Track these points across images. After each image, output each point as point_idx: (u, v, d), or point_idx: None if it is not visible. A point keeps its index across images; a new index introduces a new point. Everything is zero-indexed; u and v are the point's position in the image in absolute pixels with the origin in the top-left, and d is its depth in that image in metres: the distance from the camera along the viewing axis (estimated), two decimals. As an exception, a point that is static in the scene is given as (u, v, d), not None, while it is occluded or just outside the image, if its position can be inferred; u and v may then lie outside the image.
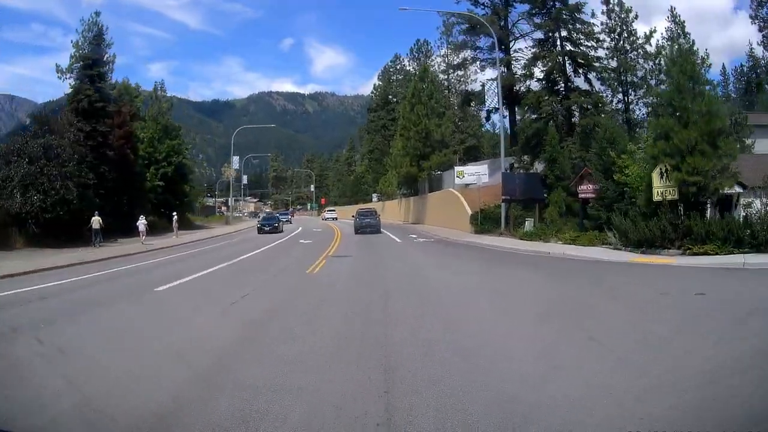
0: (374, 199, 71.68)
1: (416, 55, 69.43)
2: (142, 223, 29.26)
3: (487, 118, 40.80)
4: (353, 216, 37.53)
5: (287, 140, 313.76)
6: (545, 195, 26.71)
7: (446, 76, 58.96)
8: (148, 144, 44.17)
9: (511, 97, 38.70)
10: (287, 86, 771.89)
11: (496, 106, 32.31)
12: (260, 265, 16.29)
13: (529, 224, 23.69)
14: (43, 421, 3.85)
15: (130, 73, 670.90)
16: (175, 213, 35.29)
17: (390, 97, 76.93)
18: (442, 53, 59.89)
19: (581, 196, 23.56)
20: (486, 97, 35.37)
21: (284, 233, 36.56)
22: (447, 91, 55.87)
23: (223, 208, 60.89)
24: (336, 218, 62.66)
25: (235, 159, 55.79)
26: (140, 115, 45.86)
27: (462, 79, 63.02)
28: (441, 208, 35.72)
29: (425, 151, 40.14)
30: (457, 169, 35.96)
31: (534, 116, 31.08)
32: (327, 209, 77.46)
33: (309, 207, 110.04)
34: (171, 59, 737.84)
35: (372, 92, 79.62)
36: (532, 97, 30.99)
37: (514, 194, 26.00)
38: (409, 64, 70.46)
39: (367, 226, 31.40)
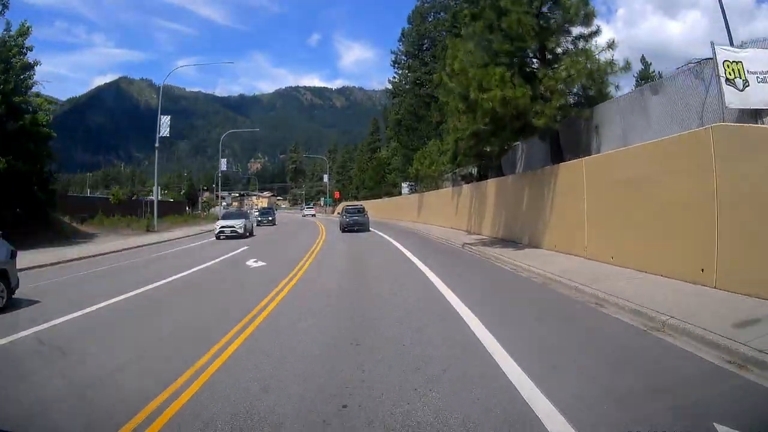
0: (405, 190, 45.35)
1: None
2: None
3: None
4: (338, 213, 36.16)
5: (315, 135, 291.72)
6: None
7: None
8: None
9: None
10: (315, 81, 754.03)
11: None
12: None
13: None
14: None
15: (155, 70, 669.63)
16: None
17: (425, 42, 50.40)
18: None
19: None
20: None
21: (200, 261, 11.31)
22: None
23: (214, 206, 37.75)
24: (314, 215, 67.15)
25: (165, 119, 30.51)
26: None
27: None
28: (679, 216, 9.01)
29: (553, 51, 13.45)
30: (727, 53, 9.36)
31: None
32: (306, 207, 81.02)
33: (323, 202, 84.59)
34: (197, 55, 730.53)
35: (399, 41, 53.19)
36: None
37: None
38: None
39: (355, 223, 26.01)
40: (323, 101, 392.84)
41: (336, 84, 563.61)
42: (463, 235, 20.89)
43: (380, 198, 56.77)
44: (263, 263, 13.83)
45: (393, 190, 55.90)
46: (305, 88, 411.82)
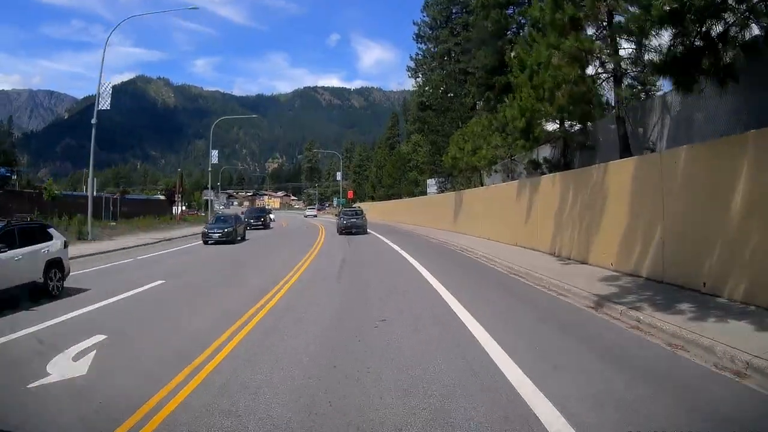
0: (431, 188, 36.08)
1: None
2: None
3: None
4: (336, 215, 37.88)
5: (334, 135, 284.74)
6: None
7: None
8: None
9: None
10: (333, 81, 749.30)
11: None
12: None
13: None
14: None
15: (172, 69, 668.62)
16: None
17: (454, 8, 40.97)
18: None
19: None
20: None
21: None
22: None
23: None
24: (316, 215, 66.50)
25: (106, 87, 21.82)
26: None
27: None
28: None
29: None
30: None
31: None
32: (309, 208, 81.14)
33: (336, 203, 75.78)
34: (216, 55, 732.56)
35: (422, 11, 43.62)
36: None
37: None
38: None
39: (352, 226, 26.50)
40: (342, 101, 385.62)
41: (355, 84, 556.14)
42: (554, 262, 11.50)
43: (400, 198, 47.48)
44: (86, 365, 4.75)
45: (414, 190, 46.66)
46: (323, 88, 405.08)
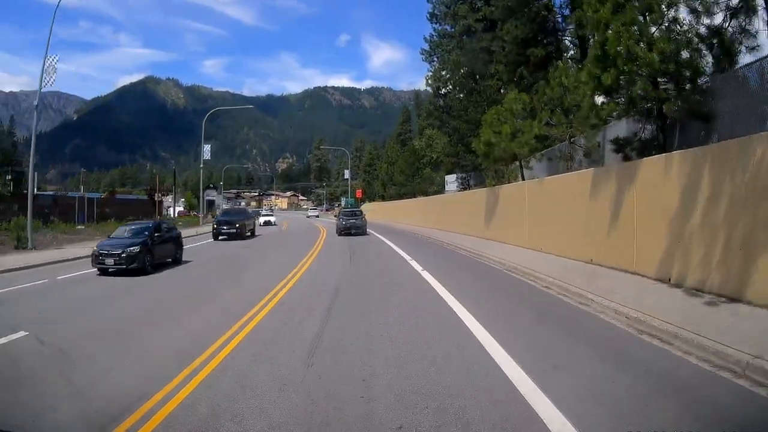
0: (450, 185, 31.39)
1: None
2: None
3: None
4: (335, 216, 40.49)
5: (344, 135, 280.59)
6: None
7: None
8: None
9: None
10: (343, 81, 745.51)
11: None
12: None
13: None
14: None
15: (182, 70, 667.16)
16: None
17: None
18: None
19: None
20: None
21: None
22: None
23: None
24: (318, 216, 69.26)
25: (52, 60, 17.48)
26: None
27: None
28: None
29: None
30: None
31: None
32: (310, 208, 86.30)
33: (344, 202, 71.37)
34: (225, 55, 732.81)
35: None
36: None
37: None
38: None
39: (351, 226, 26.66)
40: (352, 101, 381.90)
41: (365, 84, 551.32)
42: (685, 299, 6.74)
43: (413, 197, 42.79)
44: None
45: (428, 188, 41.91)
46: (334, 88, 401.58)
